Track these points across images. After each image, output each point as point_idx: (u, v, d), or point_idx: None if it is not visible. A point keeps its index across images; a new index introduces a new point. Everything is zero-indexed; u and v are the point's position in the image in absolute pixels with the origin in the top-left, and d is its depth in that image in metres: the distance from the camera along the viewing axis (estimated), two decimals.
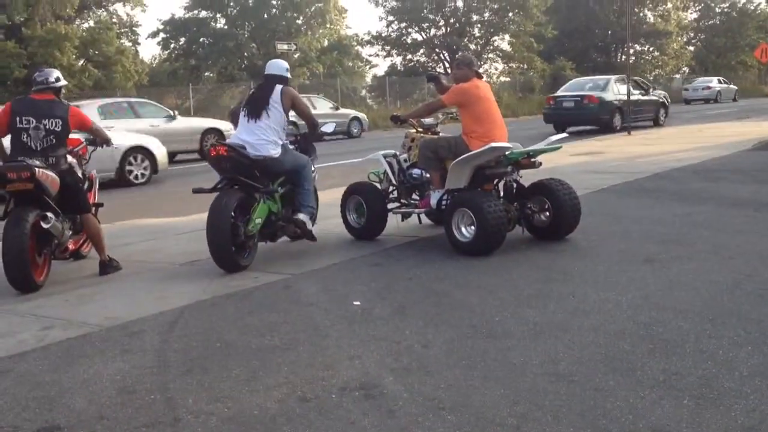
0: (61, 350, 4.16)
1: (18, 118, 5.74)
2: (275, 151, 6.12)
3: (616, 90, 20.94)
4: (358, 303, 4.80)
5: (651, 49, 56.73)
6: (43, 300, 5.32)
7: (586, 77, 26.00)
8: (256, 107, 6.20)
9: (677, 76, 58.40)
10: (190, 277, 5.83)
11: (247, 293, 5.21)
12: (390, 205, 6.97)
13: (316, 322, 4.44)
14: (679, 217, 7.20)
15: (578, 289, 4.85)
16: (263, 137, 6.10)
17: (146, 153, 13.31)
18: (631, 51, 48.99)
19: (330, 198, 6.58)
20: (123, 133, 13.44)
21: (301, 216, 6.26)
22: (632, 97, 19.89)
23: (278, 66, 6.44)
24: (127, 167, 12.99)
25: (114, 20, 38.64)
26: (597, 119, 20.60)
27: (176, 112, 18.27)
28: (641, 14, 54.19)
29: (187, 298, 5.12)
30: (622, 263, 5.51)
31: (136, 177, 13.16)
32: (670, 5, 55.68)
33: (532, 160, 6.31)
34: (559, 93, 22.37)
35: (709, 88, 41.63)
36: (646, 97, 22.15)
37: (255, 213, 5.92)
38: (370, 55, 52.42)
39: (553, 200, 6.24)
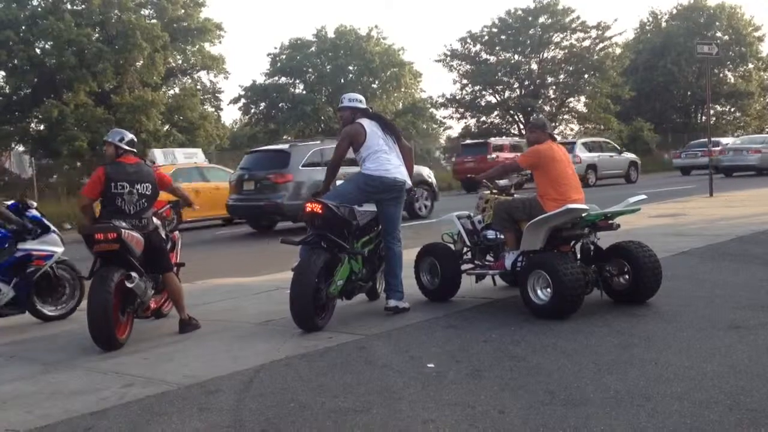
0: (140, 408, 4.24)
1: (113, 184, 5.99)
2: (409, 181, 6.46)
3: None
4: (432, 365, 4.76)
5: (732, 109, 55.59)
6: (124, 357, 5.45)
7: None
8: (394, 133, 6.57)
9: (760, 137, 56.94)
10: (266, 336, 5.89)
11: (321, 353, 5.22)
12: (464, 267, 6.93)
13: (390, 384, 4.41)
14: (766, 282, 6.93)
15: (661, 356, 4.69)
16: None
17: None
18: (712, 112, 48.10)
19: (404, 258, 6.59)
20: None
21: (392, 303, 6.36)
22: None
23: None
24: None
25: (198, 87, 40.19)
26: None
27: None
28: (721, 75, 53.30)
29: (262, 357, 5.17)
30: (707, 329, 5.31)
31: None
32: (751, 66, 54.64)
33: (610, 222, 6.21)
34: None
35: None
36: None
37: (338, 274, 5.98)
38: (444, 117, 52.74)
39: (632, 263, 6.09)
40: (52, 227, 7.21)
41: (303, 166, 14.43)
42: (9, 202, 7.23)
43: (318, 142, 15.40)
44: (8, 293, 6.76)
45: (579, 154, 25.99)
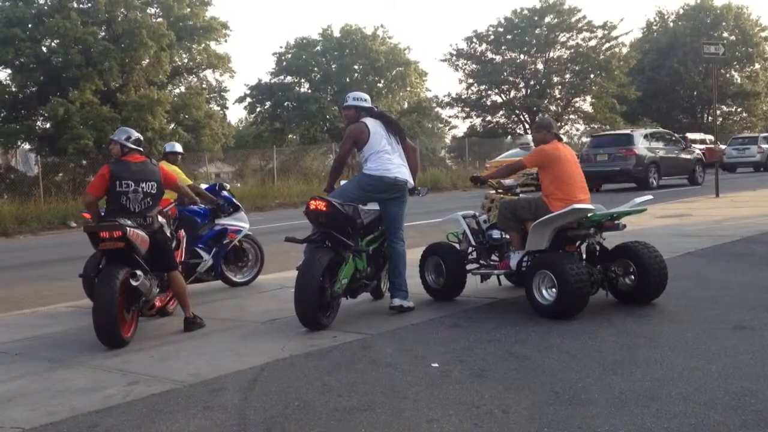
0: (145, 406, 4.25)
1: (118, 182, 5.99)
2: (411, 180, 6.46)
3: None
4: (436, 365, 4.75)
5: (739, 110, 55.44)
6: (129, 356, 5.46)
7: None
8: (398, 134, 6.55)
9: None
10: (270, 335, 5.90)
11: (325, 352, 5.23)
12: (469, 266, 6.93)
13: (394, 384, 4.41)
14: None
15: (665, 356, 4.68)
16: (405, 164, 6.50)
17: None
18: (718, 112, 47.96)
19: (409, 258, 6.59)
20: None
21: (396, 302, 6.35)
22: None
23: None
24: None
25: (204, 86, 40.24)
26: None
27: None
28: (727, 75, 53.15)
29: (267, 356, 5.18)
30: (712, 330, 5.30)
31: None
32: (757, 66, 54.47)
33: (616, 222, 6.20)
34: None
35: None
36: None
37: (342, 273, 5.98)
38: (449, 117, 52.90)
39: (638, 263, 6.08)
40: (241, 206, 8.53)
41: (640, 144, 21.70)
42: (206, 185, 8.57)
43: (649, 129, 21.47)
44: (208, 261, 7.91)
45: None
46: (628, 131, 24.13)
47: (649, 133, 23.48)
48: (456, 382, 4.39)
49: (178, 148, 9.11)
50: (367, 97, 6.80)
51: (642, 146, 21.88)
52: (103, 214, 6.16)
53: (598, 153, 22.08)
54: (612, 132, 26.12)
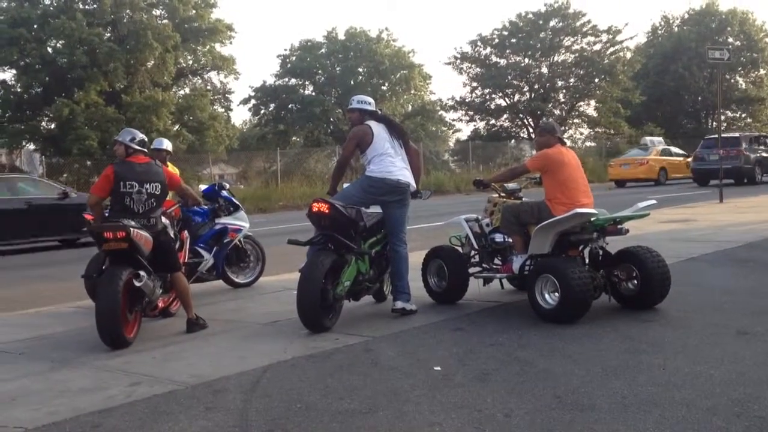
0: (147, 407, 4.25)
1: (122, 183, 6.00)
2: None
3: None
4: (438, 368, 4.75)
5: (743, 115, 55.34)
6: (132, 356, 5.47)
7: None
8: (401, 137, 6.57)
9: None
10: (273, 336, 5.90)
11: (327, 355, 5.23)
12: (472, 270, 6.92)
13: (396, 387, 4.41)
14: None
15: (669, 362, 4.67)
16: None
17: None
18: (723, 117, 47.88)
19: (411, 261, 6.59)
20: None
21: (399, 305, 6.36)
22: None
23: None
24: None
25: (208, 87, 40.30)
26: None
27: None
28: (732, 80, 53.06)
29: (269, 358, 5.18)
30: (715, 335, 5.29)
31: None
32: (762, 72, 54.36)
33: (619, 226, 6.19)
34: None
35: None
36: None
37: (344, 275, 5.98)
38: (453, 120, 52.92)
39: (641, 268, 6.07)
40: (241, 206, 8.51)
41: (746, 145, 25.61)
42: (205, 186, 8.67)
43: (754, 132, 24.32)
44: (209, 260, 7.87)
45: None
46: (736, 134, 27.81)
47: (753, 137, 27.63)
48: (458, 385, 4.39)
49: (166, 145, 8.84)
50: (372, 100, 6.81)
51: (748, 147, 25.88)
52: (107, 214, 6.18)
53: (710, 153, 24.73)
54: (724, 135, 27.14)
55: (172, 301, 6.70)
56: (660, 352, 4.92)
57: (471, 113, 51.05)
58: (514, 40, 48.79)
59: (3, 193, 14.38)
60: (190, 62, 39.15)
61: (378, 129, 6.51)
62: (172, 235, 6.47)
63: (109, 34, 33.48)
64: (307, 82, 48.10)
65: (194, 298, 6.53)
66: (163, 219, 6.30)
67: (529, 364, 4.76)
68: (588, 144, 50.64)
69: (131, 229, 5.66)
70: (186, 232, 7.25)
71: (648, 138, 33.61)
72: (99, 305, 5.62)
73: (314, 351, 5.32)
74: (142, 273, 5.75)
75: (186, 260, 7.02)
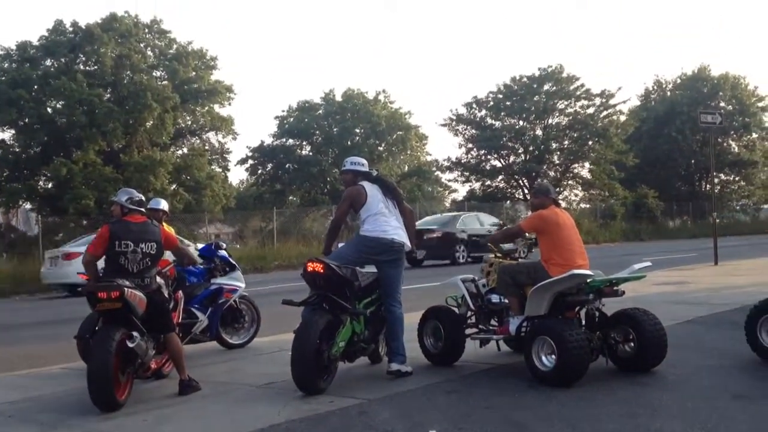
0: None
1: (117, 242, 6.00)
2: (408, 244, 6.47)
3: None
4: (434, 431, 4.69)
5: (737, 178, 55.81)
6: (123, 419, 5.39)
7: None
8: (395, 197, 6.61)
9: (765, 206, 57.07)
10: (266, 399, 5.83)
11: (321, 418, 5.16)
12: (468, 331, 6.88)
13: None
14: None
15: (665, 426, 4.62)
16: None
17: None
18: (716, 180, 48.25)
19: (407, 322, 6.56)
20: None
21: (394, 366, 6.33)
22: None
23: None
24: None
25: (206, 147, 40.57)
26: None
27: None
28: (725, 144, 53.66)
29: (262, 421, 5.11)
30: (711, 399, 5.24)
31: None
32: (755, 135, 55.00)
33: (615, 288, 6.19)
34: None
35: None
36: None
37: (340, 336, 5.94)
38: (449, 180, 53.06)
39: (637, 330, 6.05)
40: (237, 266, 8.44)
41: None
42: (202, 245, 8.82)
43: None
44: (204, 321, 7.76)
45: None
46: None
47: None
48: None
49: (163, 205, 8.50)
50: (365, 161, 6.89)
51: None
52: (101, 274, 6.16)
53: None
54: None
55: (165, 363, 6.62)
56: (656, 415, 4.87)
57: (466, 174, 51.41)
58: (508, 103, 49.45)
59: None
60: (189, 122, 39.49)
61: (372, 189, 6.56)
62: (166, 295, 6.43)
63: (108, 95, 33.86)
64: (304, 143, 48.53)
65: (187, 359, 6.46)
66: (158, 279, 6.28)
67: (525, 428, 4.71)
68: (583, 205, 50.88)
69: (125, 289, 5.64)
70: (180, 292, 7.22)
71: None
72: (91, 366, 5.55)
73: (308, 413, 5.25)
74: (135, 334, 5.70)
75: (180, 321, 6.97)
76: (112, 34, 33.54)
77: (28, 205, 35.36)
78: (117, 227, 6.09)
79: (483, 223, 23.95)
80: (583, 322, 6.28)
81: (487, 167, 51.00)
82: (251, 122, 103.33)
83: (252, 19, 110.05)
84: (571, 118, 49.58)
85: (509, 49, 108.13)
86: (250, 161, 47.95)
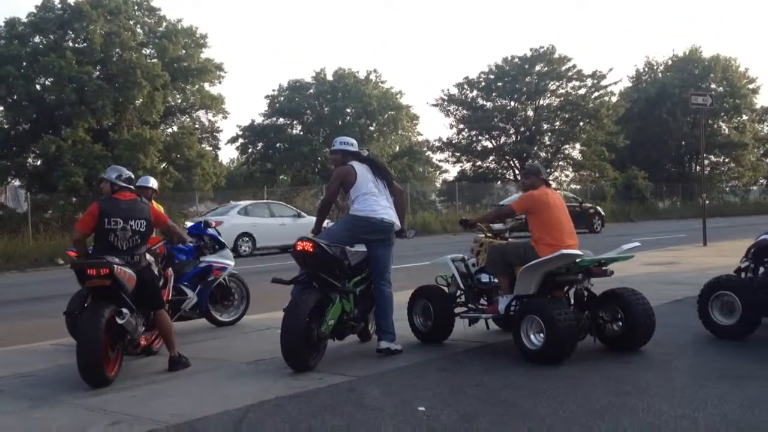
0: None
1: (107, 220, 5.98)
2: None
3: None
4: (423, 408, 4.72)
5: (726, 160, 55.99)
6: (112, 395, 5.40)
7: None
8: (385, 177, 6.61)
9: (754, 187, 57.32)
10: (256, 375, 5.85)
11: (311, 395, 5.18)
12: (457, 310, 6.92)
13: (380, 427, 4.37)
14: (758, 332, 6.91)
15: (652, 404, 4.66)
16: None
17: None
18: (706, 162, 48.37)
19: (397, 300, 6.58)
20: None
21: (383, 345, 6.35)
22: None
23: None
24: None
25: (197, 126, 40.34)
26: None
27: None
28: (716, 126, 53.76)
29: (251, 397, 5.13)
30: (698, 378, 5.29)
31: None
32: (745, 117, 55.16)
33: (604, 268, 6.22)
34: None
35: None
36: None
37: (329, 314, 5.97)
38: (440, 161, 52.91)
39: (626, 310, 6.09)
40: (227, 244, 8.52)
41: None
42: (191, 223, 8.87)
43: None
44: (193, 298, 7.81)
45: None
46: None
47: None
48: (442, 426, 4.36)
49: (152, 183, 8.38)
50: (354, 141, 6.88)
51: None
52: (90, 251, 6.14)
53: None
54: None
55: (154, 339, 6.63)
56: (644, 394, 4.91)
57: (458, 155, 51.38)
58: (500, 84, 49.34)
59: None
60: (179, 101, 39.20)
61: (361, 169, 6.56)
62: (156, 273, 6.43)
63: (98, 72, 33.55)
64: (295, 122, 48.31)
65: (177, 336, 6.47)
66: (148, 256, 6.27)
67: (513, 406, 4.74)
68: (573, 186, 50.96)
69: (115, 265, 5.63)
70: (170, 269, 7.22)
71: None
72: (80, 343, 5.56)
73: (298, 390, 5.28)
74: (124, 310, 5.70)
75: (170, 298, 6.97)
76: (101, 11, 33.13)
77: (17, 182, 35.14)
78: (106, 205, 6.07)
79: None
80: (572, 301, 6.32)
81: (479, 148, 50.99)
82: (242, 101, 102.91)
83: None
84: (562, 99, 49.55)
85: (501, 30, 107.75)
86: (241, 140, 47.71)
